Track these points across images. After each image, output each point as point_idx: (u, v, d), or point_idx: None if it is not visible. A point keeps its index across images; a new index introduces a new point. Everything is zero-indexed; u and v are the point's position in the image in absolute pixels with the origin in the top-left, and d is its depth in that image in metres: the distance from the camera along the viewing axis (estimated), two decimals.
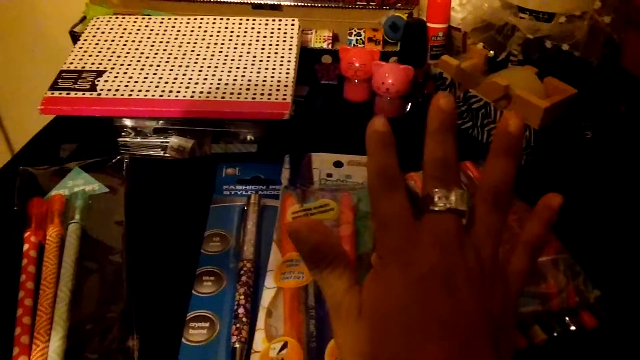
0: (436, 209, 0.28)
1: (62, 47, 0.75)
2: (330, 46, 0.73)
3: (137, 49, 0.65)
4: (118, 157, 0.57)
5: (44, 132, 0.65)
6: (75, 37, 0.73)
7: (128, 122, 0.60)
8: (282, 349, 0.40)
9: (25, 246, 0.47)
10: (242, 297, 0.43)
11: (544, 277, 0.44)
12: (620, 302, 0.44)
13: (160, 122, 0.60)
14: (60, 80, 0.60)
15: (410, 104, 0.68)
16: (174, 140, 0.60)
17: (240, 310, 0.42)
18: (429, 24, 0.68)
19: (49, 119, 0.65)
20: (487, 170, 0.30)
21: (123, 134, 0.61)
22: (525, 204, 0.51)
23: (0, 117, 1.04)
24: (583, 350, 0.41)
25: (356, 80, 0.68)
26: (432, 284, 0.27)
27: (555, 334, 0.41)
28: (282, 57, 0.65)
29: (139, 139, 0.61)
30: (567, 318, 0.42)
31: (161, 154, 0.60)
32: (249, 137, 0.61)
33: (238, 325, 0.41)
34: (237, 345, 0.40)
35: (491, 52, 0.65)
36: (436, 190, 0.28)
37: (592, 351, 0.41)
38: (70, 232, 0.48)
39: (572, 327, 0.42)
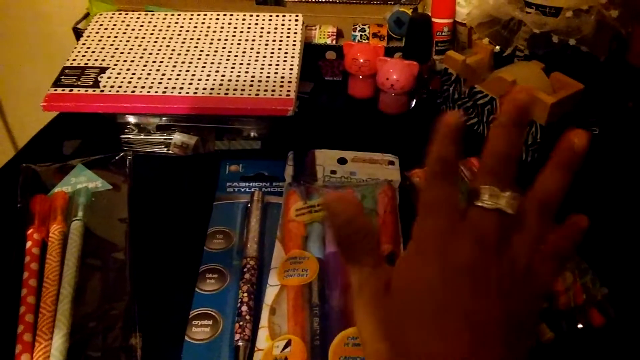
0: (484, 206, 0.27)
1: (65, 43, 0.74)
2: (334, 42, 0.73)
3: (140, 46, 0.65)
4: (121, 154, 0.56)
5: (47, 129, 0.65)
6: (78, 33, 0.73)
7: (131, 119, 0.60)
8: (285, 347, 0.39)
9: (28, 243, 0.47)
10: (245, 294, 0.43)
11: None
12: (627, 300, 0.43)
13: (164, 118, 0.60)
14: (63, 77, 0.60)
15: (415, 100, 0.68)
16: (177, 137, 0.59)
17: (244, 308, 0.42)
18: (434, 19, 0.68)
19: (51, 115, 0.65)
20: (543, 181, 0.29)
21: (126, 130, 0.61)
22: None
23: (4, 113, 1.04)
24: (590, 348, 0.41)
25: (360, 76, 0.68)
26: (465, 279, 0.27)
27: (562, 332, 0.41)
28: (286, 53, 0.64)
29: (142, 136, 0.60)
30: (574, 315, 0.41)
31: (164, 150, 0.60)
32: (252, 134, 0.61)
33: (241, 323, 0.41)
34: (240, 344, 0.40)
35: (497, 47, 0.64)
36: (488, 187, 0.28)
37: (600, 349, 0.41)
38: (73, 230, 0.48)
39: (580, 325, 0.41)
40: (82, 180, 0.54)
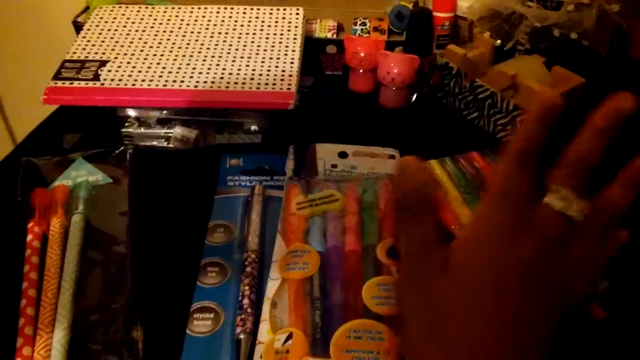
0: (555, 207, 0.28)
1: (65, 37, 0.74)
2: (335, 36, 0.73)
3: (140, 39, 0.64)
4: (121, 148, 0.56)
5: (46, 123, 0.65)
6: (78, 27, 0.73)
7: (132, 113, 0.60)
8: (287, 340, 0.39)
9: (29, 237, 0.47)
10: (246, 287, 0.43)
11: None
12: (628, 294, 0.43)
13: (164, 112, 0.60)
14: (63, 70, 0.60)
15: (415, 95, 0.67)
16: (177, 131, 0.59)
17: (245, 301, 0.42)
18: (435, 13, 0.68)
19: (50, 109, 0.65)
20: (614, 195, 0.30)
21: (126, 124, 0.60)
22: None
23: (2, 107, 1.04)
24: (592, 342, 0.41)
25: (361, 70, 0.68)
26: (515, 274, 0.27)
27: (562, 325, 0.41)
28: (287, 46, 0.64)
29: (142, 130, 0.60)
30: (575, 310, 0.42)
31: (165, 144, 0.60)
32: (253, 128, 0.61)
33: (243, 316, 0.41)
34: (242, 336, 0.40)
35: (498, 41, 0.64)
36: (565, 189, 0.28)
37: (601, 342, 0.41)
38: (74, 223, 0.48)
39: (581, 319, 0.41)
40: (82, 174, 0.54)
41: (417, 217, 0.30)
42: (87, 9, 0.76)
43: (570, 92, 0.56)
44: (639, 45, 0.65)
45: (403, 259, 0.31)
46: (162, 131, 0.60)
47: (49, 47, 0.87)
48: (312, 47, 0.70)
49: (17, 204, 0.51)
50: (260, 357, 0.38)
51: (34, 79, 0.87)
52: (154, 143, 0.60)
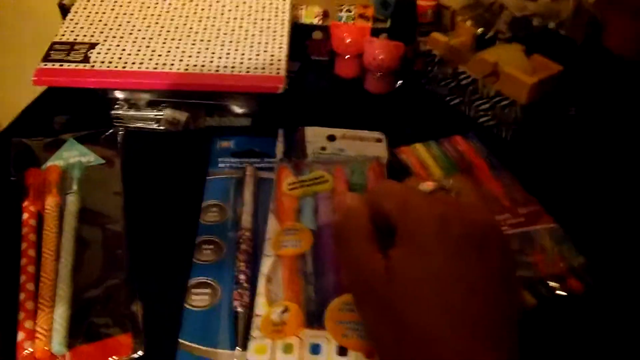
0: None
1: (49, 19, 0.74)
2: (321, 22, 0.74)
3: (129, 22, 0.65)
4: (112, 130, 0.57)
5: (34, 105, 0.65)
6: (64, 9, 0.72)
7: (122, 95, 0.61)
8: (283, 312, 0.41)
9: (25, 215, 0.48)
10: (242, 264, 0.45)
11: (532, 246, 0.46)
12: (604, 268, 0.46)
13: (154, 94, 0.60)
14: (52, 52, 0.60)
15: (400, 81, 0.69)
16: (168, 113, 0.60)
17: (242, 277, 0.44)
18: (418, 2, 0.69)
19: (35, 92, 0.65)
20: None
21: (116, 106, 0.61)
22: (511, 175, 0.54)
23: None
24: (571, 314, 0.43)
25: (347, 56, 0.69)
26: (467, 247, 0.30)
27: (544, 299, 0.43)
28: (275, 31, 0.65)
29: (132, 112, 0.61)
30: (554, 283, 0.44)
31: (155, 126, 0.61)
32: (242, 111, 0.62)
33: (240, 290, 0.43)
34: (239, 310, 0.41)
35: (479, 29, 0.66)
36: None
37: (579, 314, 0.43)
38: (69, 202, 0.49)
39: (560, 292, 0.44)
40: (74, 155, 0.55)
41: (350, 242, 0.34)
42: None
43: (548, 79, 0.58)
44: (612, 35, 0.67)
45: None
46: (152, 114, 0.61)
47: (34, 29, 0.86)
48: (298, 32, 0.71)
49: (10, 184, 0.51)
50: (258, 329, 0.40)
51: (19, 61, 0.87)
52: (144, 125, 0.61)
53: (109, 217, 0.49)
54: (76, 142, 0.56)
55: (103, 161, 0.54)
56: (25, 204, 0.49)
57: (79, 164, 0.53)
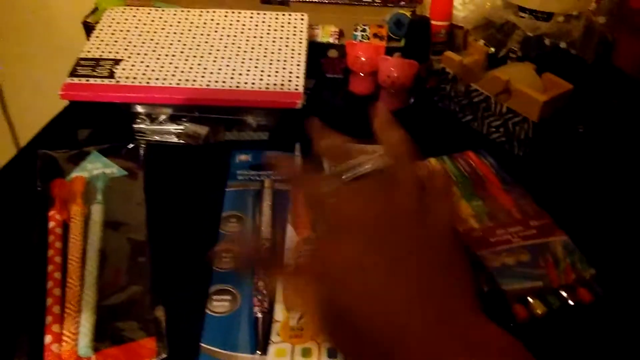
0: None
1: (73, 37, 0.77)
2: (336, 41, 0.76)
3: (152, 40, 0.67)
4: (134, 143, 0.59)
5: (57, 119, 0.67)
6: (88, 27, 0.75)
7: (144, 109, 0.63)
8: (300, 318, 0.42)
9: (51, 224, 0.50)
10: (262, 272, 0.46)
11: (543, 257, 0.47)
12: (613, 280, 0.47)
13: (176, 109, 0.63)
14: (79, 67, 0.62)
15: (413, 98, 0.71)
16: (189, 127, 0.62)
17: (261, 284, 0.45)
18: (432, 22, 0.71)
19: (55, 107, 0.67)
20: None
21: (138, 120, 0.63)
22: (522, 189, 0.55)
23: (5, 104, 1.06)
24: (580, 323, 0.44)
25: (362, 74, 0.71)
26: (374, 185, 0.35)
27: (554, 308, 0.44)
28: (293, 49, 0.67)
29: (153, 126, 0.63)
30: (564, 293, 0.45)
31: (175, 140, 0.63)
32: (260, 125, 0.63)
33: (259, 297, 0.44)
34: (259, 315, 0.43)
35: (492, 49, 0.68)
36: None
37: (589, 324, 0.44)
38: (94, 212, 0.51)
39: (570, 302, 0.45)
40: (98, 167, 0.56)
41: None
42: (95, 10, 0.78)
43: (559, 97, 0.60)
44: (622, 54, 0.69)
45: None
46: (173, 127, 0.63)
47: (57, 47, 0.89)
48: (313, 50, 0.73)
49: (37, 194, 0.53)
50: (277, 334, 0.41)
51: (40, 77, 0.89)
52: (165, 139, 0.62)
53: (132, 226, 0.51)
54: (100, 155, 0.58)
55: (126, 173, 0.56)
56: (52, 213, 0.50)
57: (103, 176, 0.55)
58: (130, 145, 0.59)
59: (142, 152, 0.58)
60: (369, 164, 0.39)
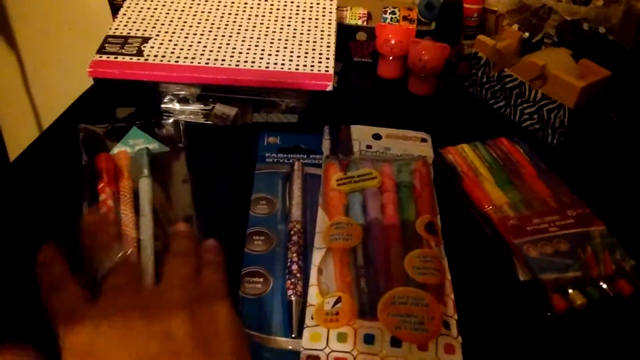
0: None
1: (99, 15, 0.76)
2: (365, 23, 0.75)
3: (180, 18, 0.66)
4: (172, 119, 0.57)
5: (85, 96, 0.66)
6: (114, 5, 0.74)
7: (172, 88, 0.62)
8: (336, 303, 0.42)
9: (102, 196, 0.48)
10: (294, 254, 0.45)
11: (583, 247, 0.46)
12: None
13: (204, 89, 0.62)
14: (107, 45, 0.61)
15: (443, 83, 0.70)
16: (218, 108, 0.61)
17: (294, 267, 0.44)
18: (465, 5, 0.70)
19: (77, 85, 0.66)
20: None
21: (166, 100, 0.62)
22: (558, 178, 0.53)
23: (29, 84, 1.05)
24: (620, 315, 0.43)
25: (391, 57, 0.70)
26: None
27: (594, 299, 0.43)
28: (322, 30, 0.66)
29: (181, 106, 0.62)
30: (604, 285, 0.44)
31: (203, 120, 0.62)
32: (291, 105, 0.62)
33: (293, 280, 0.43)
34: (293, 298, 0.42)
35: (526, 33, 0.66)
36: None
37: (629, 316, 0.43)
38: (142, 186, 0.49)
39: (610, 294, 0.44)
40: (139, 142, 0.54)
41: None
42: None
43: (596, 84, 0.58)
44: None
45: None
46: (201, 107, 0.62)
47: (83, 25, 0.88)
48: (341, 33, 0.72)
49: (83, 167, 0.51)
50: (312, 318, 0.41)
51: (66, 55, 0.89)
52: (193, 119, 0.62)
53: (180, 203, 0.50)
54: (140, 130, 0.55)
55: (168, 149, 0.54)
56: (101, 186, 0.49)
57: (147, 151, 0.53)
58: (170, 120, 0.57)
59: (182, 127, 0.57)
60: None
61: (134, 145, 0.54)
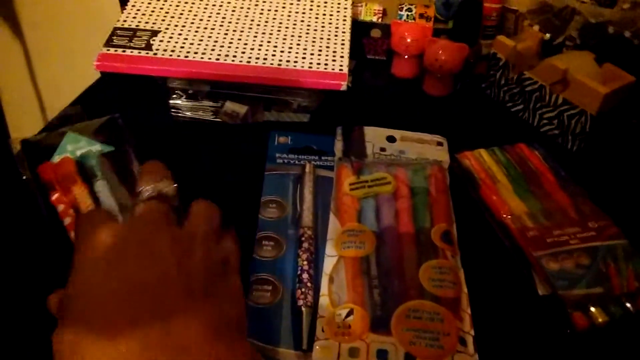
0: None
1: (106, 6, 0.74)
2: (380, 20, 0.73)
3: (190, 11, 0.64)
4: (108, 117, 0.54)
5: (92, 89, 0.65)
6: None
7: (181, 84, 0.60)
8: (348, 315, 0.40)
9: (60, 207, 0.46)
10: (305, 262, 0.44)
11: (605, 262, 0.44)
12: None
13: (214, 85, 0.60)
14: (114, 38, 0.60)
15: (459, 84, 0.68)
16: (228, 105, 0.59)
17: (305, 276, 0.43)
18: (484, 4, 0.68)
19: (80, 77, 0.64)
20: None
21: (174, 96, 0.61)
22: (578, 187, 0.52)
23: (35, 75, 1.04)
24: None
25: (406, 56, 0.68)
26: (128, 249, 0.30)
27: (617, 317, 0.41)
28: (337, 27, 0.64)
29: (190, 102, 0.60)
30: (627, 303, 0.42)
31: (212, 117, 0.60)
32: (303, 105, 0.61)
33: (303, 289, 0.42)
34: (303, 309, 0.40)
35: (547, 35, 0.64)
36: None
37: None
38: (100, 189, 0.47)
39: (633, 311, 0.42)
40: (80, 146, 0.52)
41: None
42: None
43: (620, 90, 0.56)
44: None
45: None
46: (210, 104, 0.60)
47: (90, 16, 0.87)
48: (356, 30, 0.70)
49: (25, 182, 0.49)
50: (322, 330, 0.39)
51: (73, 47, 0.87)
52: (202, 116, 0.60)
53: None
54: (76, 134, 0.52)
55: (112, 148, 0.52)
56: (55, 197, 0.47)
57: (92, 153, 0.51)
58: (105, 120, 0.54)
59: (120, 122, 0.53)
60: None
61: (74, 150, 0.51)
